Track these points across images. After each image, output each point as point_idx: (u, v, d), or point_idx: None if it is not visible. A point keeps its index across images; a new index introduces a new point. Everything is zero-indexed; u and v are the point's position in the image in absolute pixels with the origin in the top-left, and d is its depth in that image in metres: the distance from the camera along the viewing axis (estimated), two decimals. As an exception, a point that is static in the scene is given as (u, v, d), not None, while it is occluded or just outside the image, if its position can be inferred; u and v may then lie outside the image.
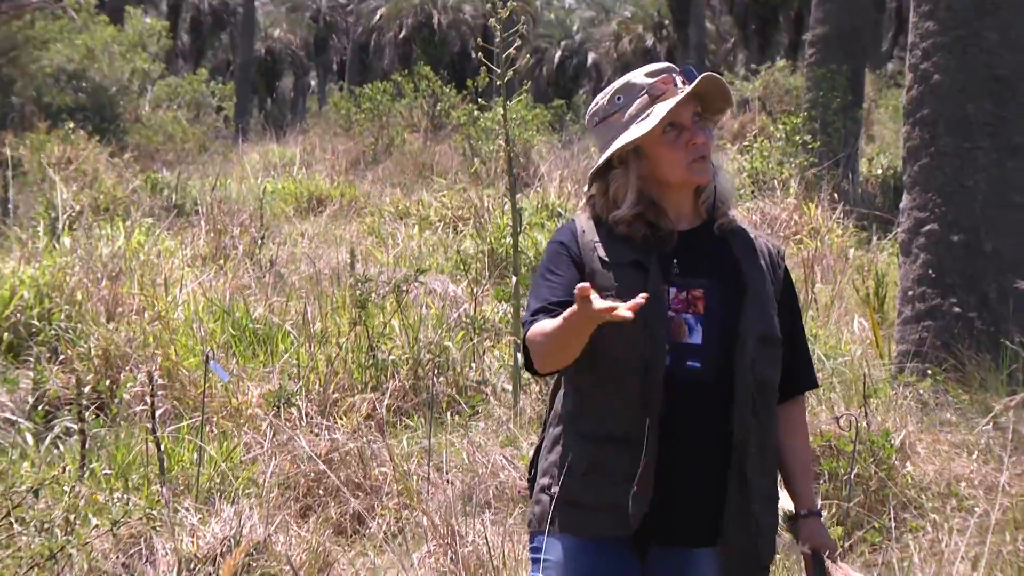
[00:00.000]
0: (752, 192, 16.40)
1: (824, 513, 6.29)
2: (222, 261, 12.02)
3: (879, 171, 19.92)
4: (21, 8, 22.60)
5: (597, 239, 3.55)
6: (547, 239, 7.87)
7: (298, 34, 69.54)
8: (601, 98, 3.65)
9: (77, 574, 5.61)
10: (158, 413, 7.09)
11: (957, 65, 8.54)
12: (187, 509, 6.28)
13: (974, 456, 7.04)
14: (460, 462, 7.22)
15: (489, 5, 8.26)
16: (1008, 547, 5.81)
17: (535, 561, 3.58)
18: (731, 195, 3.68)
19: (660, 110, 3.48)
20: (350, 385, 8.41)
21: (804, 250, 12.51)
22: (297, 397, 8.02)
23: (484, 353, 9.07)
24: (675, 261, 3.50)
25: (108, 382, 8.26)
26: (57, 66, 24.82)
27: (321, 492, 6.92)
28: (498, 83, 8.26)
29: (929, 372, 8.12)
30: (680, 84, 3.54)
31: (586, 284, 3.12)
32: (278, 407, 7.88)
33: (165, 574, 5.77)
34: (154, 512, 6.15)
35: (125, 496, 6.38)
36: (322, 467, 6.85)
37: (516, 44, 8.13)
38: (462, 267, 11.64)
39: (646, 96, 3.53)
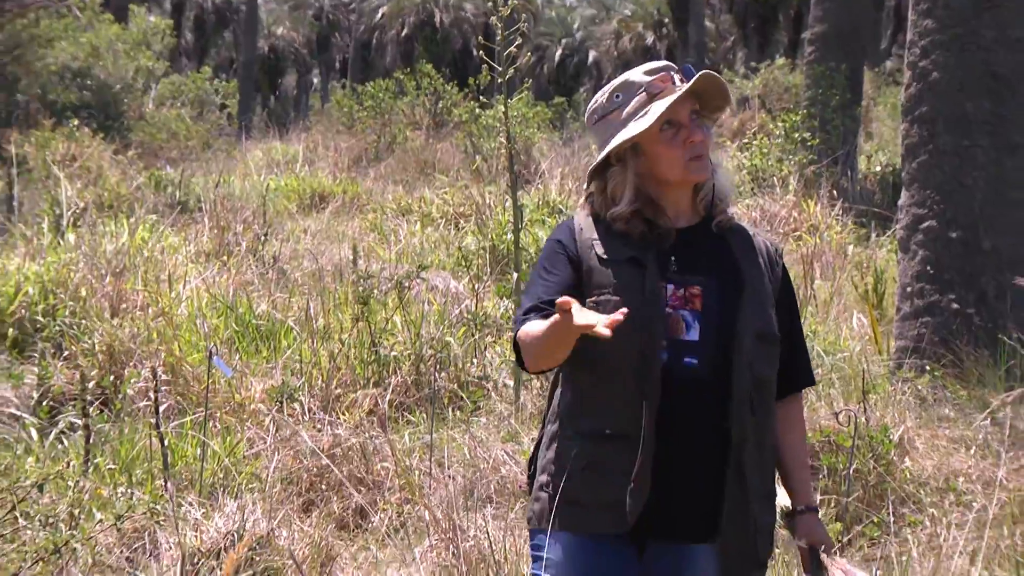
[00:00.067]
0: (752, 189, 16.41)
1: (822, 508, 6.35)
2: (225, 257, 12.01)
3: (878, 168, 19.87)
4: (26, 6, 22.60)
5: (595, 236, 3.56)
6: (548, 236, 7.94)
7: (301, 32, 69.52)
8: (600, 96, 3.65)
9: (81, 568, 5.61)
10: (162, 408, 7.04)
11: (956, 63, 8.56)
12: (190, 504, 6.27)
13: (972, 451, 7.04)
14: (462, 457, 7.21)
15: (490, 3, 8.24)
16: (1006, 541, 5.83)
17: (536, 559, 3.59)
18: (729, 193, 3.67)
19: (658, 108, 3.48)
20: (352, 381, 8.43)
21: (803, 247, 12.52)
22: (300, 393, 8.03)
23: (485, 349, 9.05)
24: (673, 258, 3.50)
25: (112, 378, 8.27)
26: (62, 64, 24.79)
27: (323, 487, 6.93)
28: (499, 81, 8.25)
29: (927, 368, 8.13)
30: (678, 82, 3.54)
31: (567, 298, 3.12)
32: (281, 402, 7.89)
33: (169, 568, 5.76)
34: (158, 507, 6.12)
35: (129, 491, 6.39)
36: (325, 461, 6.86)
37: (517, 42, 8.11)
38: (464, 263, 11.63)
39: (644, 94, 3.54)
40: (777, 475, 3.69)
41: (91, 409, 7.12)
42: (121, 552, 6.01)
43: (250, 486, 6.75)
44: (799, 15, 43.38)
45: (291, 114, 54.81)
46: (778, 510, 3.67)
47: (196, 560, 5.74)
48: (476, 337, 9.08)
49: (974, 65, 8.51)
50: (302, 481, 6.96)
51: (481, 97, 19.82)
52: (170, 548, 5.93)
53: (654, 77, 3.56)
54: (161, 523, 6.11)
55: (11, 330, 9.31)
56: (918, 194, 8.71)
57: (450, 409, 8.28)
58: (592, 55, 62.87)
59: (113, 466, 6.82)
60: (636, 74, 3.61)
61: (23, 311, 9.47)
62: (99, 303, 9.50)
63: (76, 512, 5.98)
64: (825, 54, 18.41)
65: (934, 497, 6.57)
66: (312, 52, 72.02)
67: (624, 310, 3.09)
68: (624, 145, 3.53)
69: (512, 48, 8.14)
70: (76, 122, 20.06)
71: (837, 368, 8.31)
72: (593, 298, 3.47)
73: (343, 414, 7.94)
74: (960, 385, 7.98)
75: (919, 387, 7.87)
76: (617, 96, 3.59)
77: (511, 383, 8.36)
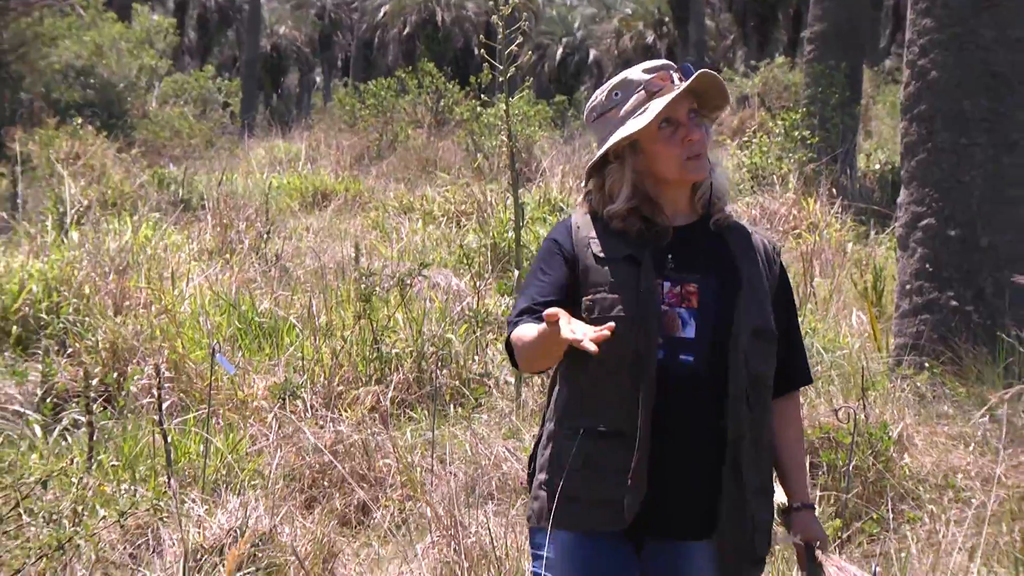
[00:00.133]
0: (751, 187, 16.40)
1: (822, 505, 6.37)
2: (228, 255, 12.01)
3: (877, 166, 19.88)
4: (30, 5, 22.61)
5: (592, 235, 3.56)
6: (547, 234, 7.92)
7: (303, 31, 69.51)
8: (599, 93, 3.65)
9: (85, 564, 5.62)
10: (165, 405, 7.07)
11: (954, 62, 8.57)
12: (193, 500, 6.29)
13: (971, 448, 7.06)
14: (463, 454, 7.20)
15: (492, 2, 8.26)
16: (1004, 538, 5.85)
17: (536, 556, 3.60)
18: (727, 191, 3.68)
19: (656, 106, 3.48)
20: (354, 378, 8.45)
21: (803, 244, 12.51)
22: (302, 390, 8.05)
23: (487, 346, 9.05)
24: (670, 256, 3.50)
25: (115, 375, 8.27)
26: (65, 62, 24.79)
27: (326, 484, 6.94)
28: (501, 79, 8.25)
29: (926, 365, 8.15)
30: (677, 81, 3.54)
31: (554, 310, 3.13)
32: (283, 399, 7.90)
33: (172, 564, 5.77)
34: (161, 503, 6.12)
35: (132, 487, 6.40)
36: (327, 458, 6.87)
37: (518, 41, 8.13)
38: (465, 261, 11.61)
39: (643, 92, 3.53)
40: (774, 472, 3.69)
41: (95, 406, 7.10)
42: (124, 548, 6.01)
43: (253, 483, 6.75)
44: (798, 14, 43.34)
45: (293, 112, 54.71)
46: (775, 507, 3.68)
47: (199, 556, 5.77)
48: (477, 334, 9.08)
49: (972, 64, 8.53)
50: (304, 478, 6.97)
51: (482, 95, 19.89)
52: (173, 544, 5.94)
53: (653, 75, 3.56)
54: (164, 520, 6.11)
55: (15, 327, 9.30)
56: (917, 192, 8.72)
57: (451, 406, 8.30)
58: (593, 54, 62.83)
59: (116, 463, 6.83)
60: (635, 72, 3.60)
61: (27, 309, 9.47)
62: (103, 300, 9.50)
63: (80, 509, 6.00)
64: (824, 53, 18.40)
65: (933, 494, 6.58)
66: (314, 51, 72.01)
67: (611, 324, 3.10)
68: (622, 142, 3.53)
69: (513, 47, 8.15)
70: (80, 120, 20.05)
71: (836, 365, 8.31)
72: (589, 296, 3.48)
73: (345, 411, 7.94)
74: (959, 382, 7.99)
75: (918, 384, 7.89)
76: (616, 94, 3.59)
77: (512, 380, 8.37)
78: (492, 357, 8.91)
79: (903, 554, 5.74)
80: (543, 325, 3.22)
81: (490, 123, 20.17)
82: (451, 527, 5.83)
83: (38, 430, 7.45)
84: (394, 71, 32.73)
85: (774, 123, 19.16)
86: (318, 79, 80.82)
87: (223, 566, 5.52)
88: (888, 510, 6.25)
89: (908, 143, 8.87)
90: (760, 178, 16.61)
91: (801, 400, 3.96)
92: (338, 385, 8.29)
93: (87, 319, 9.09)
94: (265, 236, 12.99)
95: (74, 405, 7.84)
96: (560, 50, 64.76)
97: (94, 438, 6.79)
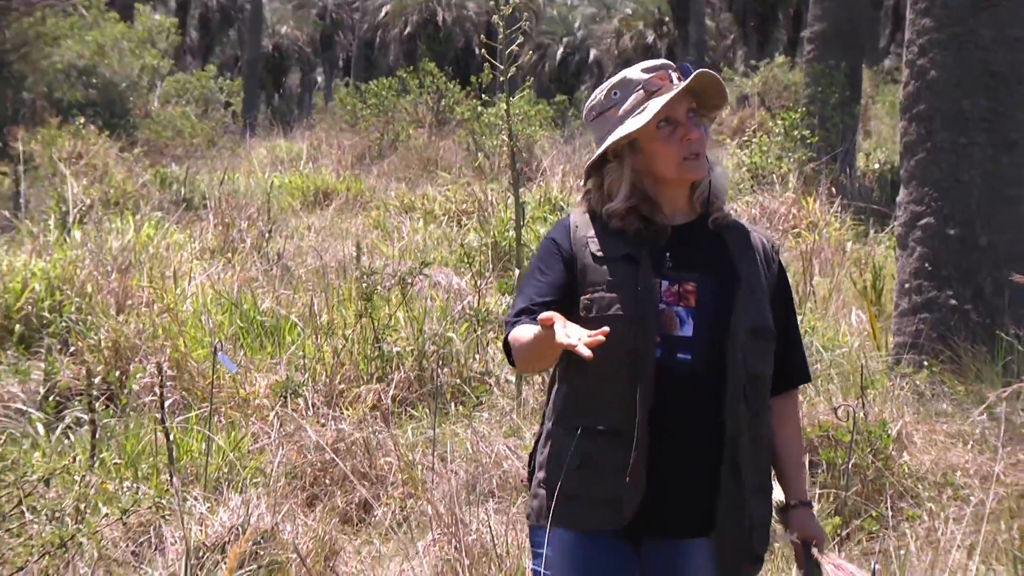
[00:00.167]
0: (751, 186, 16.38)
1: (822, 503, 6.38)
2: (230, 254, 12.03)
3: (876, 166, 19.88)
4: (32, 5, 22.63)
5: (591, 234, 3.56)
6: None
7: (305, 31, 69.50)
8: (598, 93, 3.65)
9: (87, 562, 5.63)
10: (167, 403, 7.08)
11: (953, 61, 8.60)
12: (196, 498, 6.32)
13: (969, 446, 7.08)
14: (464, 452, 7.21)
15: (492, 2, 8.27)
16: (1003, 535, 5.86)
17: (535, 555, 3.60)
18: (726, 190, 3.67)
19: (655, 105, 3.48)
20: (356, 376, 8.46)
21: (802, 243, 12.51)
22: (304, 388, 8.07)
23: (488, 345, 9.06)
24: (668, 255, 3.50)
25: (118, 373, 8.29)
26: (68, 62, 24.79)
27: (327, 481, 6.96)
28: (501, 79, 8.26)
29: (925, 363, 8.18)
30: (676, 80, 3.54)
31: (548, 314, 3.13)
32: (285, 398, 7.94)
33: (174, 562, 5.78)
34: (163, 501, 6.16)
35: (135, 485, 6.43)
36: (329, 456, 6.88)
37: (519, 41, 8.13)
38: (466, 260, 11.62)
39: (641, 91, 3.53)
40: (772, 470, 3.70)
41: (97, 404, 7.12)
42: (127, 546, 6.03)
43: (254, 481, 6.76)
44: (798, 14, 43.33)
45: (295, 112, 54.74)
46: (773, 505, 3.68)
47: (201, 554, 5.78)
48: (478, 333, 9.09)
49: (972, 63, 8.55)
50: (306, 476, 6.98)
51: (483, 95, 19.89)
52: (175, 542, 5.95)
53: (652, 75, 3.56)
54: (166, 517, 6.13)
55: (18, 326, 9.30)
56: (916, 191, 8.74)
57: (452, 404, 8.30)
58: (593, 53, 62.78)
59: (119, 461, 6.86)
60: (634, 72, 3.60)
61: (30, 307, 9.47)
62: (105, 299, 9.52)
63: (82, 506, 6.01)
64: (824, 52, 18.41)
65: (932, 492, 6.60)
66: (316, 50, 71.99)
67: (605, 329, 3.08)
68: (621, 142, 3.53)
69: (514, 46, 8.16)
70: (82, 120, 20.06)
71: (836, 364, 8.31)
72: (587, 295, 3.49)
73: (347, 409, 7.97)
74: (958, 380, 8.01)
75: (917, 382, 7.91)
76: (615, 93, 3.59)
77: (513, 379, 8.38)
78: (493, 355, 8.91)
79: (902, 552, 5.73)
80: (535, 332, 3.24)
81: (491, 123, 20.18)
82: (452, 525, 5.82)
83: (41, 428, 7.47)
84: (395, 71, 32.74)
85: (774, 122, 19.14)
86: (319, 79, 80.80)
87: (225, 564, 5.49)
88: (887, 508, 6.26)
89: (907, 142, 8.89)
90: (760, 177, 16.60)
91: (800, 398, 3.97)
92: (339, 383, 8.31)
93: (89, 318, 9.10)
94: (267, 235, 13.01)
95: (76, 403, 7.86)
96: (561, 50, 64.73)
97: (96, 436, 6.80)
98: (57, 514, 5.75)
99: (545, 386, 7.92)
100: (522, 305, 3.52)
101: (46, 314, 9.34)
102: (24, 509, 5.68)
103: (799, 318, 7.88)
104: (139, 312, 9.30)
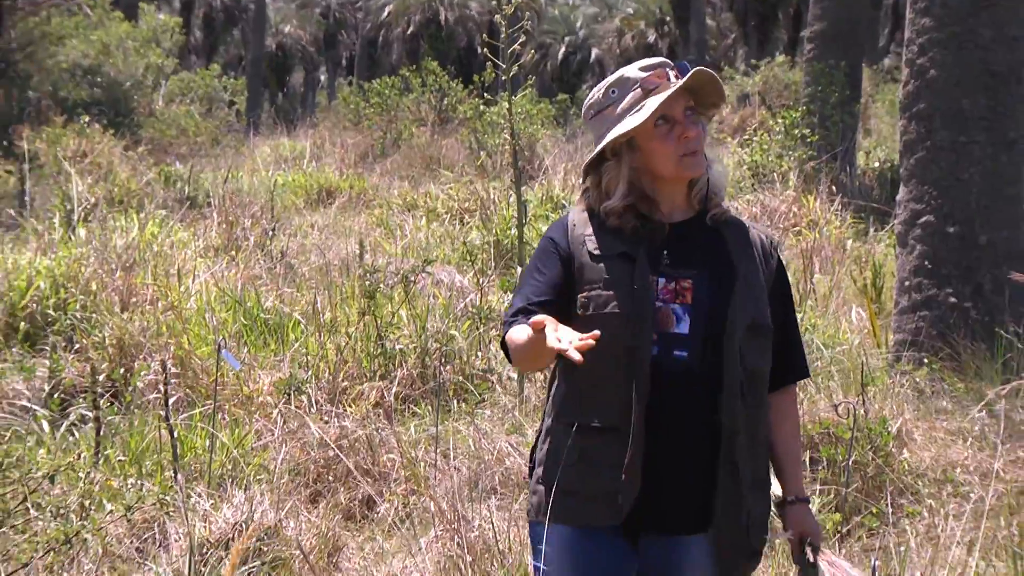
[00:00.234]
0: (752, 185, 16.36)
1: (822, 499, 6.39)
2: (234, 252, 12.06)
3: (876, 164, 19.87)
4: (38, 5, 22.68)
5: (588, 232, 3.57)
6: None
7: (308, 30, 69.46)
8: (596, 92, 3.65)
9: (92, 558, 5.67)
10: (171, 401, 7.11)
11: (953, 61, 8.62)
12: (199, 495, 6.33)
13: (969, 443, 7.08)
14: (466, 449, 7.22)
15: (495, 2, 8.30)
16: (1003, 532, 5.86)
17: (536, 550, 3.61)
18: (724, 187, 3.67)
19: (652, 103, 3.48)
20: (359, 373, 8.47)
21: (803, 241, 12.51)
22: (307, 385, 8.10)
23: (490, 342, 9.05)
24: (665, 252, 3.50)
25: (122, 370, 8.33)
26: (73, 61, 24.82)
27: (330, 478, 6.97)
28: (503, 78, 8.28)
29: (925, 361, 8.20)
30: (673, 78, 3.54)
31: (539, 318, 3.14)
32: (288, 395, 7.96)
33: (178, 558, 5.82)
34: (167, 498, 6.21)
35: (139, 482, 6.45)
36: (332, 452, 6.89)
37: (521, 40, 8.13)
38: (468, 258, 11.59)
39: (639, 90, 3.54)
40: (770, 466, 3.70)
41: (101, 401, 7.15)
42: (131, 542, 6.07)
43: (258, 477, 6.79)
44: (798, 13, 43.26)
45: (298, 111, 54.65)
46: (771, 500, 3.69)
47: (205, 550, 5.80)
48: (480, 331, 9.10)
49: (971, 63, 8.57)
50: (309, 472, 6.99)
51: (485, 94, 19.86)
52: (179, 538, 5.99)
53: (649, 73, 3.56)
54: (170, 514, 6.18)
55: (23, 324, 9.34)
56: (916, 189, 8.77)
57: (455, 401, 8.31)
58: (595, 53, 62.68)
59: (123, 458, 6.88)
60: (631, 70, 3.61)
61: (35, 305, 9.51)
62: (109, 297, 9.55)
63: (87, 503, 6.05)
64: (824, 52, 18.40)
65: (932, 488, 6.60)
66: (319, 50, 71.93)
67: (596, 332, 3.08)
68: (619, 140, 3.54)
69: (516, 46, 8.17)
70: (87, 118, 20.07)
71: (836, 361, 8.31)
72: (584, 293, 3.50)
73: (350, 406, 7.98)
74: (957, 378, 8.03)
75: (917, 380, 7.92)
76: (613, 92, 3.60)
77: (515, 376, 8.36)
78: (495, 353, 8.91)
79: (902, 548, 5.74)
80: (528, 336, 3.26)
81: (493, 121, 20.16)
82: (455, 521, 5.83)
83: (46, 425, 7.48)
84: (398, 70, 32.70)
85: (774, 121, 19.11)
86: (323, 78, 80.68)
87: (228, 560, 5.54)
88: (887, 504, 6.26)
89: (907, 141, 8.91)
90: (761, 176, 16.59)
91: (801, 396, 3.97)
92: (342, 381, 8.32)
93: (94, 315, 9.13)
94: (270, 233, 13.02)
95: (81, 401, 7.88)
96: (562, 49, 64.65)
97: (101, 433, 6.84)
98: (62, 511, 5.79)
99: (547, 383, 7.97)
100: (520, 304, 3.54)
101: (51, 312, 9.37)
102: (29, 506, 5.71)
103: (800, 316, 7.95)
104: (143, 310, 9.33)
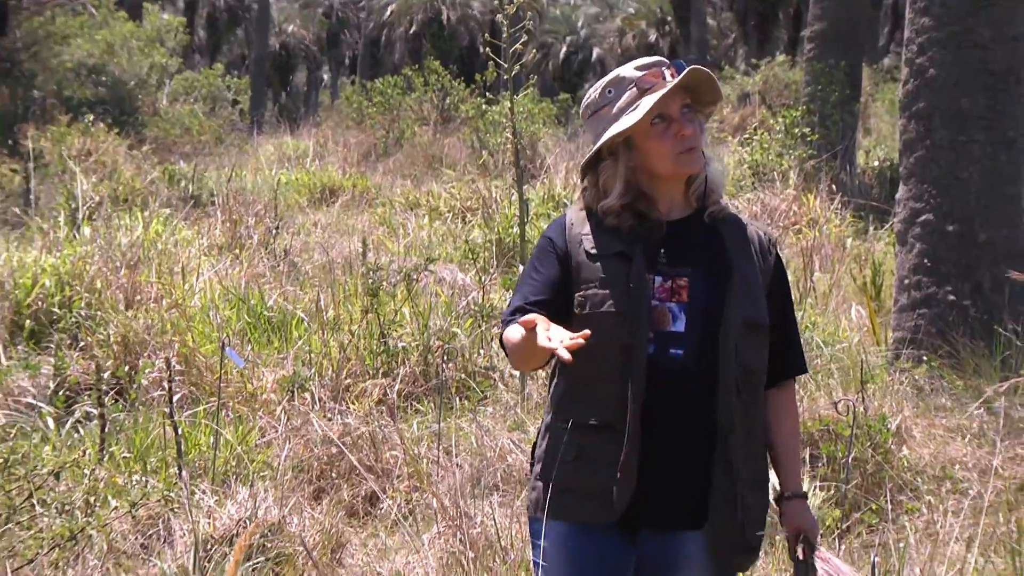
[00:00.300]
0: (752, 183, 16.34)
1: (822, 495, 6.41)
2: (238, 250, 12.05)
3: (876, 163, 19.88)
4: (42, 4, 22.70)
5: (585, 231, 3.58)
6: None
7: (311, 29, 69.53)
8: (593, 91, 3.65)
9: (97, 555, 5.69)
10: (175, 398, 7.06)
11: (952, 60, 8.64)
12: (204, 491, 6.35)
13: (968, 440, 7.12)
14: (469, 446, 7.23)
15: (497, 1, 8.32)
16: (1001, 528, 5.87)
17: (535, 546, 3.61)
18: (722, 184, 3.67)
19: (647, 102, 3.49)
20: (362, 371, 8.47)
21: (803, 240, 12.52)
22: (310, 383, 8.09)
23: (492, 340, 9.03)
24: (662, 250, 3.51)
25: (127, 368, 8.32)
26: (77, 61, 24.79)
27: (334, 475, 6.99)
28: (505, 77, 8.28)
29: (924, 358, 8.22)
30: (669, 77, 3.52)
31: (530, 317, 3.17)
32: (292, 392, 7.97)
33: (182, 555, 5.82)
34: (172, 494, 6.21)
35: (143, 479, 6.46)
36: (335, 449, 6.91)
37: (523, 39, 8.15)
38: (471, 256, 11.58)
39: (635, 89, 3.53)
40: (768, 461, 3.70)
41: (106, 399, 7.17)
42: (136, 539, 6.08)
43: (262, 474, 6.81)
44: (798, 13, 43.21)
45: (301, 110, 54.79)
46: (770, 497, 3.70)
47: (209, 547, 5.79)
48: (483, 328, 9.10)
49: (970, 62, 8.60)
50: (313, 469, 7.01)
51: (487, 93, 19.89)
52: (184, 535, 6.00)
53: (645, 72, 3.56)
54: (175, 510, 6.19)
55: (28, 321, 9.34)
56: (915, 188, 8.79)
57: (457, 399, 8.31)
58: (596, 52, 62.65)
59: (128, 454, 6.90)
60: (627, 70, 3.61)
61: (40, 303, 9.49)
62: (114, 295, 9.54)
63: (92, 500, 6.06)
64: (824, 51, 18.40)
65: (931, 485, 6.63)
66: (322, 49, 72.00)
67: (586, 332, 3.09)
68: (616, 139, 3.54)
69: (518, 45, 8.18)
70: (91, 117, 20.07)
71: (836, 359, 8.30)
72: (581, 292, 3.51)
73: (353, 403, 7.99)
74: (956, 375, 8.05)
75: (916, 377, 7.94)
76: (609, 91, 3.60)
77: (517, 373, 8.36)
78: (497, 351, 8.86)
79: (901, 544, 5.75)
80: (521, 335, 3.28)
81: (495, 120, 20.19)
82: (457, 518, 5.85)
83: (51, 422, 7.48)
84: (400, 69, 32.71)
85: (775, 120, 19.11)
86: (326, 77, 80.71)
87: (232, 556, 5.56)
88: (887, 501, 6.27)
89: (907, 140, 8.93)
90: (761, 174, 16.57)
91: (800, 392, 3.97)
92: (346, 378, 8.33)
93: (99, 313, 9.13)
94: (274, 231, 13.03)
95: (86, 398, 7.89)
96: (564, 49, 64.66)
97: (106, 430, 6.85)
98: (67, 507, 5.82)
99: (548, 380, 7.98)
100: (517, 304, 3.55)
101: (56, 309, 9.35)
102: (34, 502, 5.75)
103: (800, 314, 7.98)
104: (148, 308, 9.33)
